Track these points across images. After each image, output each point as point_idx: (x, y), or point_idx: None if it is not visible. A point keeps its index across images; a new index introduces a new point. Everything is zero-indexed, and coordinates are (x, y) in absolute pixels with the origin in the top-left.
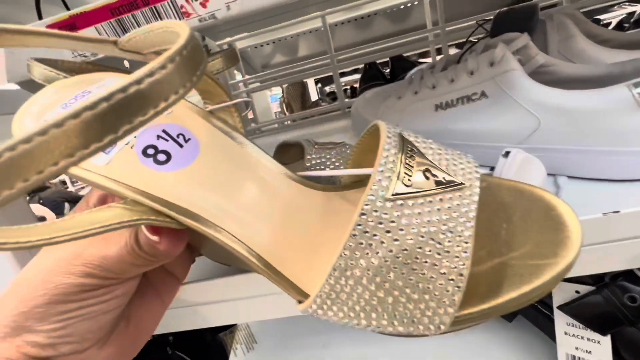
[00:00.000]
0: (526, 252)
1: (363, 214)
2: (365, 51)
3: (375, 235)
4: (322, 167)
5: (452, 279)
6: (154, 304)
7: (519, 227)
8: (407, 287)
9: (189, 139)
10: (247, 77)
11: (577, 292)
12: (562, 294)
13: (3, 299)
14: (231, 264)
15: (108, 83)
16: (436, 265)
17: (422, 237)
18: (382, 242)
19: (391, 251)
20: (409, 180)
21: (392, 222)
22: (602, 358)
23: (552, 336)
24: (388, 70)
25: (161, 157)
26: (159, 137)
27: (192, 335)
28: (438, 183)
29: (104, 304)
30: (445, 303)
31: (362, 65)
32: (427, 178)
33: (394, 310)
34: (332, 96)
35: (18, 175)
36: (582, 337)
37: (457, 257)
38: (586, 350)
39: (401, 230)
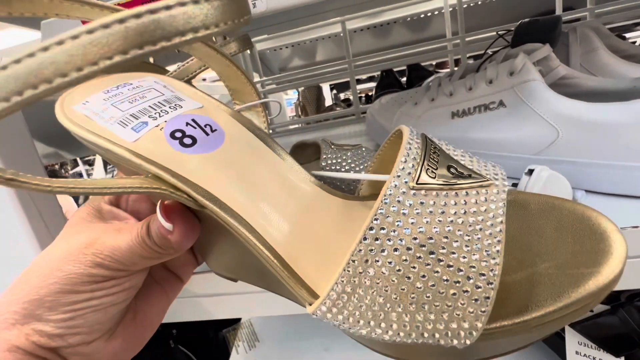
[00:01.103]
0: (563, 261)
1: (385, 201)
2: (382, 58)
3: (398, 222)
4: (338, 167)
5: (483, 274)
6: (160, 299)
7: (553, 237)
8: (429, 292)
9: (215, 130)
10: (264, 78)
11: (591, 310)
12: None
13: (15, 286)
14: (236, 277)
15: (149, 79)
16: (462, 270)
17: (448, 229)
18: (406, 230)
19: (412, 247)
20: (433, 172)
21: (417, 210)
22: None
23: (562, 355)
24: (405, 79)
25: (187, 140)
26: (187, 124)
27: (195, 331)
28: (464, 178)
29: (113, 296)
30: (476, 302)
31: (378, 73)
32: (452, 173)
33: (412, 319)
34: (347, 103)
35: (67, 66)
36: (593, 358)
37: (488, 254)
38: None
39: (426, 219)
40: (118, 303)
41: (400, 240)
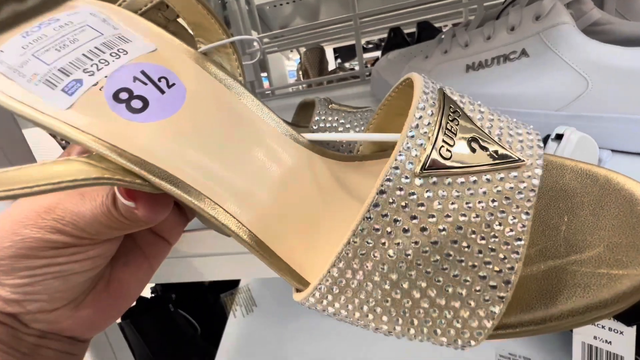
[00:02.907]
0: (595, 256)
1: (382, 192)
2: (390, 14)
3: (396, 220)
4: (332, 131)
5: (494, 286)
6: (140, 268)
7: (588, 222)
8: (433, 289)
9: (173, 84)
10: (261, 34)
11: None
12: None
13: None
14: (230, 234)
15: (83, 10)
16: (475, 265)
17: (460, 228)
18: (405, 231)
19: (416, 243)
20: (448, 150)
21: (421, 205)
22: (624, 351)
23: None
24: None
25: (136, 103)
26: (135, 79)
27: (194, 295)
28: (486, 158)
29: (75, 264)
30: (480, 315)
31: (387, 36)
32: (474, 150)
33: (412, 315)
34: (352, 72)
35: None
36: (603, 326)
37: (504, 258)
38: (606, 341)
39: (432, 216)
40: (83, 271)
41: (397, 243)
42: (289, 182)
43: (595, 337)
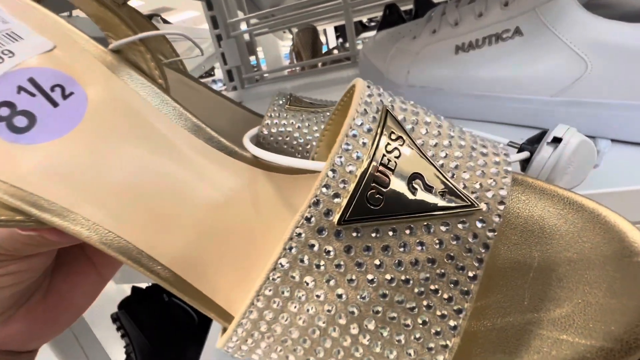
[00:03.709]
0: (561, 316)
1: (290, 248)
2: None
3: (307, 283)
4: (286, 138)
5: (431, 348)
6: (87, 278)
7: (561, 270)
8: (359, 352)
9: (71, 94)
10: (248, 15)
11: None
12: None
13: None
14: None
15: None
16: (400, 341)
17: (384, 295)
18: (317, 297)
19: (329, 311)
20: (380, 195)
21: (338, 266)
22: None
23: None
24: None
25: (20, 121)
26: (21, 89)
27: None
28: (429, 200)
29: None
30: None
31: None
32: (414, 191)
33: None
34: (344, 54)
35: None
36: None
37: (437, 332)
38: None
39: (351, 281)
40: (6, 287)
41: (308, 310)
42: (221, 204)
43: None
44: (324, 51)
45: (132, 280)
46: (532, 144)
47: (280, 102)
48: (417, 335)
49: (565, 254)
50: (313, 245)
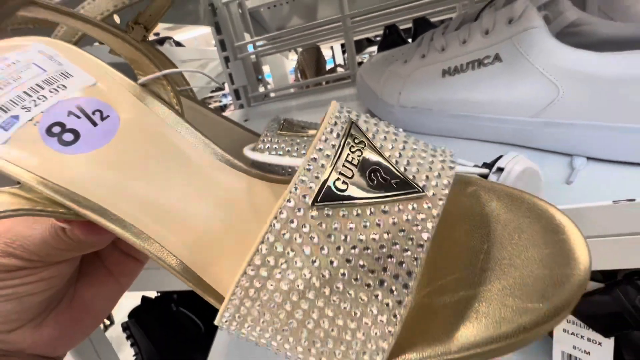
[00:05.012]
0: (506, 287)
1: (275, 225)
2: (383, 12)
3: (288, 253)
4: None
5: (383, 321)
6: (107, 286)
7: (507, 251)
8: (325, 321)
9: (108, 117)
10: (255, 38)
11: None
12: None
13: None
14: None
15: (32, 49)
16: (363, 299)
17: (349, 260)
18: (296, 263)
19: (306, 275)
20: (345, 183)
21: (313, 237)
22: None
23: (549, 332)
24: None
25: (68, 136)
26: (70, 113)
27: (196, 294)
28: (387, 188)
29: (28, 286)
30: (376, 335)
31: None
32: (372, 180)
33: (311, 340)
34: (345, 73)
35: None
36: (582, 337)
37: (392, 290)
38: (585, 351)
39: (322, 249)
40: (36, 293)
41: (289, 274)
42: (224, 207)
43: (574, 347)
44: (329, 65)
45: (142, 288)
46: (489, 168)
47: (274, 127)
48: (377, 294)
49: (509, 238)
50: (293, 221)
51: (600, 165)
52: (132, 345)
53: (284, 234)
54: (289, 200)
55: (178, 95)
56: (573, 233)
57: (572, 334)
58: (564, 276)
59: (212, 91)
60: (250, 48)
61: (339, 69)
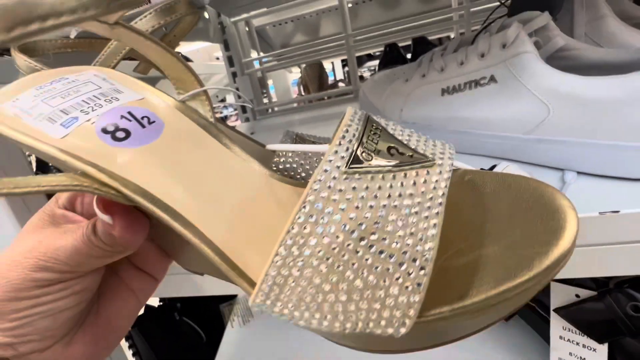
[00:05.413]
0: (513, 242)
1: (315, 189)
2: (383, 31)
3: (327, 209)
4: (291, 173)
5: (415, 259)
6: (126, 302)
7: (505, 217)
8: (359, 281)
9: (154, 122)
10: (261, 55)
11: (577, 295)
12: (561, 297)
13: None
14: (201, 271)
15: (88, 73)
16: (393, 256)
17: (381, 214)
18: (335, 217)
19: (341, 235)
20: (370, 155)
21: (348, 196)
22: None
23: (546, 339)
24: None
25: (120, 134)
26: (122, 117)
27: (198, 304)
28: (403, 159)
29: (61, 301)
30: (407, 289)
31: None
32: (392, 154)
33: (345, 309)
34: (361, 80)
35: None
36: (577, 343)
37: (421, 238)
38: (580, 357)
39: (357, 207)
40: (69, 308)
41: (330, 228)
42: (253, 205)
43: (570, 354)
44: (330, 79)
45: None
46: None
47: (287, 142)
48: (405, 251)
49: (505, 211)
50: (330, 187)
51: (589, 179)
52: (134, 355)
53: (322, 196)
54: (325, 170)
55: (212, 108)
56: (557, 195)
57: (568, 340)
58: (557, 224)
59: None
60: (256, 64)
61: (340, 84)
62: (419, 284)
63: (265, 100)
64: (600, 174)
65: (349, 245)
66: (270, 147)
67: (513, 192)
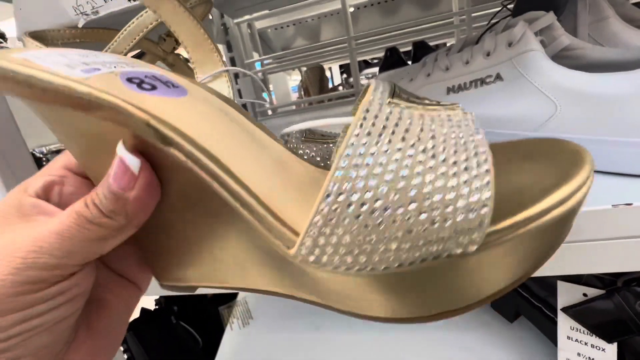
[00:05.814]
0: (539, 179)
1: (364, 118)
2: (385, 35)
3: (380, 134)
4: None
5: (477, 175)
6: (117, 309)
7: (524, 165)
8: (428, 197)
9: (178, 87)
10: (263, 57)
11: (585, 294)
12: (568, 296)
13: None
14: (197, 282)
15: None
16: (455, 174)
17: (433, 137)
18: (389, 142)
19: (399, 156)
20: (402, 99)
21: (394, 132)
22: None
23: (553, 339)
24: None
25: (146, 86)
26: (146, 76)
27: (195, 307)
28: (432, 103)
29: (56, 311)
30: (470, 218)
31: (383, 55)
32: (419, 104)
33: (418, 216)
34: (349, 91)
35: None
36: (585, 343)
37: (476, 153)
38: (589, 357)
39: (407, 131)
40: (63, 318)
41: (386, 152)
42: (280, 165)
43: (578, 354)
44: (330, 85)
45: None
46: None
47: (297, 136)
48: (465, 166)
49: (529, 159)
50: (377, 116)
51: (598, 176)
52: (128, 359)
53: (372, 124)
54: (370, 103)
55: (233, 87)
56: (565, 141)
57: (576, 340)
58: (575, 159)
59: None
60: (258, 65)
61: (340, 88)
62: (487, 182)
63: (267, 105)
64: (608, 171)
65: (403, 172)
66: (287, 130)
67: (524, 147)
